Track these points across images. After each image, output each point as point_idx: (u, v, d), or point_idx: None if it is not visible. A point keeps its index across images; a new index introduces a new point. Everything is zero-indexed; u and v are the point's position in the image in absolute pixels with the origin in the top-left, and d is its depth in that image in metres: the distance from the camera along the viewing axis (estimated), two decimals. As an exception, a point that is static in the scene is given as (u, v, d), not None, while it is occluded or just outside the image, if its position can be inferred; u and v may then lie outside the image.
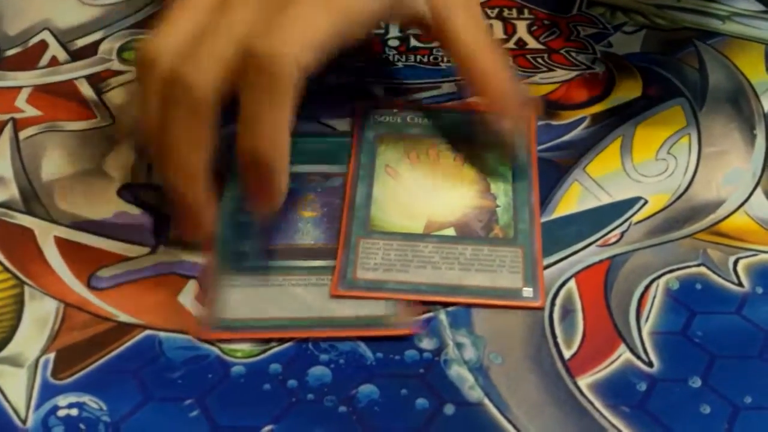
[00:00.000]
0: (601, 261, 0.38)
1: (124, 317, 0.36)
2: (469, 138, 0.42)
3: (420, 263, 0.36)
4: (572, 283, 0.37)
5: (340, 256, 0.36)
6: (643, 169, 0.42)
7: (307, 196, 0.39)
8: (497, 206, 0.39)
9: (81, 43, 0.48)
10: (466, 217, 0.39)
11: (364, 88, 0.46)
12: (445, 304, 0.36)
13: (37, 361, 0.35)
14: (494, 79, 0.39)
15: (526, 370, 0.35)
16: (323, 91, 0.45)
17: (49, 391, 0.34)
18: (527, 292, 0.36)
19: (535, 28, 0.50)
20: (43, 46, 0.48)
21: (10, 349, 0.35)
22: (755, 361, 0.35)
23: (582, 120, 0.44)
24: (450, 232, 0.38)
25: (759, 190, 0.41)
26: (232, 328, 0.35)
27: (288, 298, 0.36)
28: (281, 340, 0.35)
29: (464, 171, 0.41)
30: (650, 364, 0.35)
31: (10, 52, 0.48)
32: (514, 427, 0.33)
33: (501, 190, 0.40)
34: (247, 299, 0.36)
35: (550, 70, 0.47)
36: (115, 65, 0.47)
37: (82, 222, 0.39)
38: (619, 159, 0.42)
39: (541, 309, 0.36)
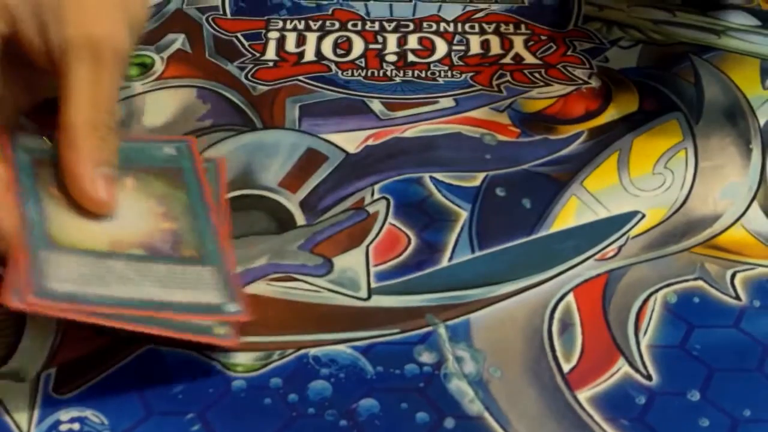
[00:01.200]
0: (599, 275, 0.38)
1: (125, 332, 0.36)
2: (138, 164, 0.38)
3: (118, 279, 0.34)
4: (570, 297, 0.38)
5: (26, 267, 0.33)
6: (641, 184, 0.42)
7: None
8: (179, 228, 0.37)
9: (80, 58, 0.49)
10: (152, 237, 0.36)
11: (363, 103, 0.46)
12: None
13: (38, 375, 0.35)
14: (73, 174, 0.36)
15: (525, 383, 0.35)
16: (321, 107, 0.46)
17: (51, 406, 0.34)
18: (231, 306, 0.35)
19: (532, 43, 0.50)
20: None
21: (12, 365, 0.35)
22: (754, 374, 0.35)
23: (579, 134, 0.45)
24: (138, 251, 0.36)
25: (755, 205, 0.41)
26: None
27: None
28: (282, 353, 0.35)
29: (135, 194, 0.38)
30: (649, 377, 0.35)
31: (10, 68, 0.48)
32: (514, 440, 0.33)
33: (179, 212, 0.37)
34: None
35: (547, 84, 0.48)
36: (115, 81, 0.47)
37: (83, 237, 0.39)
38: (616, 173, 0.43)
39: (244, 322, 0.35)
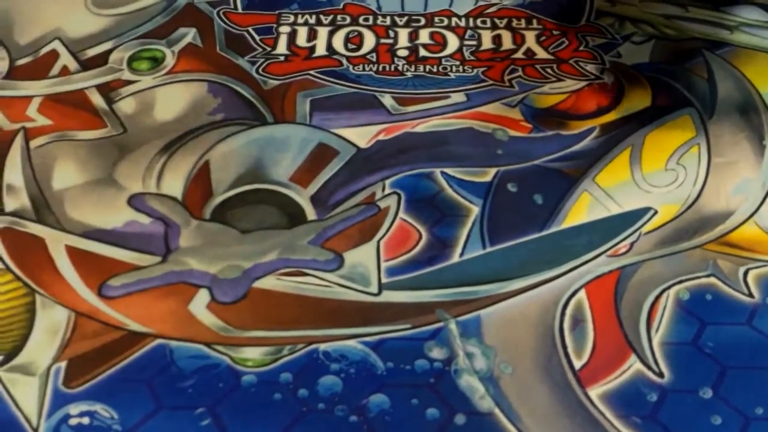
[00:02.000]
0: (611, 271, 0.38)
1: (135, 326, 0.36)
2: None
3: None
4: (582, 294, 0.37)
5: None
6: (653, 179, 0.42)
7: None
8: None
9: (91, 52, 0.49)
10: None
11: (374, 98, 0.46)
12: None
13: (48, 369, 0.35)
14: None
15: (536, 380, 0.35)
16: (332, 101, 0.46)
17: (60, 400, 0.34)
18: None
19: (543, 38, 0.50)
20: (54, 55, 0.48)
21: (22, 358, 0.35)
22: (766, 372, 0.35)
23: (591, 130, 0.44)
24: None
25: (769, 201, 0.41)
26: None
27: None
28: (293, 348, 0.35)
29: None
30: (661, 374, 0.35)
31: (21, 62, 0.48)
32: (525, 437, 0.33)
33: None
34: None
35: (559, 80, 0.47)
36: (126, 75, 0.47)
37: (93, 231, 0.39)
38: (628, 169, 0.43)
39: None
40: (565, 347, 0.36)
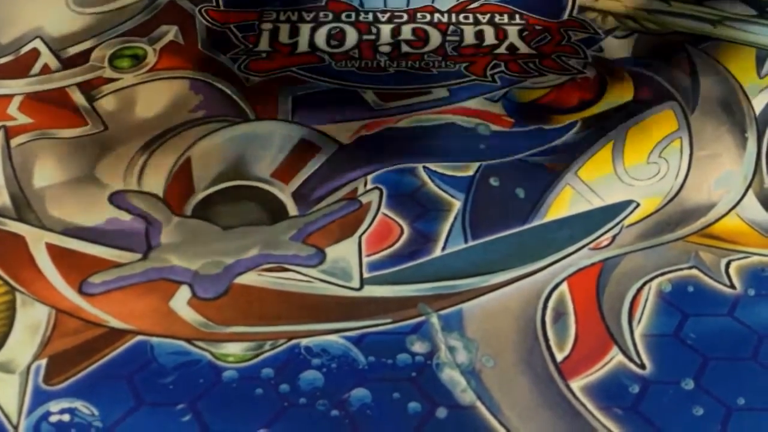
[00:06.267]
0: (593, 264, 0.38)
1: (115, 323, 0.36)
2: None
3: None
4: (564, 286, 0.37)
5: None
6: (635, 173, 0.42)
7: None
8: None
9: (73, 51, 0.48)
10: None
11: (356, 93, 0.46)
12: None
13: (29, 367, 0.34)
14: None
15: (518, 372, 0.35)
16: (314, 98, 0.46)
17: (41, 397, 0.34)
18: None
19: (526, 33, 0.50)
20: (35, 54, 0.48)
21: (2, 356, 0.35)
22: (748, 363, 0.35)
23: (573, 124, 0.44)
24: None
25: (750, 193, 0.41)
26: None
27: None
28: (274, 343, 0.35)
29: None
30: (643, 366, 0.35)
31: (2, 61, 0.48)
32: (507, 429, 0.33)
33: None
34: None
35: (542, 74, 0.47)
36: (107, 73, 0.47)
37: (74, 229, 0.39)
38: (610, 163, 0.43)
39: None
40: (547, 340, 0.36)
